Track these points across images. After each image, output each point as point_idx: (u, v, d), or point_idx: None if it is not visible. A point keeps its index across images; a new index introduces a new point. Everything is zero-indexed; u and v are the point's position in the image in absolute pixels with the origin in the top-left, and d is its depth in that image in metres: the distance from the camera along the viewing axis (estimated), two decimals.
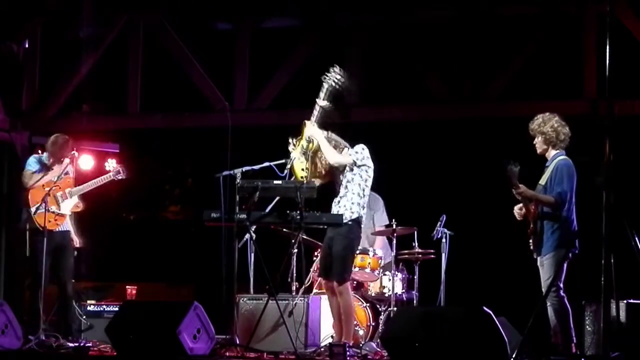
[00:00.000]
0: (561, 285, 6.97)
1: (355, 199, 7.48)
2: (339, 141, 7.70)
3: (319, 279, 8.14)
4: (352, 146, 7.66)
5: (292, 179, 7.55)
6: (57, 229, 8.46)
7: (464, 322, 6.37)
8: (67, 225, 8.59)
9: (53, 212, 8.39)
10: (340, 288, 7.46)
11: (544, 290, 7.01)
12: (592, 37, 9.18)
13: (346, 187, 7.51)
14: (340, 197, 7.53)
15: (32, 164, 8.59)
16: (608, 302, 5.69)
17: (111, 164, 8.87)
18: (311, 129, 7.55)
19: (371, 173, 7.57)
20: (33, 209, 8.27)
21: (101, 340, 8.20)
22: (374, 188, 7.85)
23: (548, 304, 6.94)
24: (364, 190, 7.52)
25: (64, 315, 8.44)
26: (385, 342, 7.03)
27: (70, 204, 8.59)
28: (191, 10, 10.49)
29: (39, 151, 8.86)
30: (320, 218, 7.50)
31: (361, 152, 7.54)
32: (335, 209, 7.54)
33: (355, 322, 8.60)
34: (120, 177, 8.74)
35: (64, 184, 8.57)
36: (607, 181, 5.62)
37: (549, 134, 7.15)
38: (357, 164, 7.50)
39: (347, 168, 7.53)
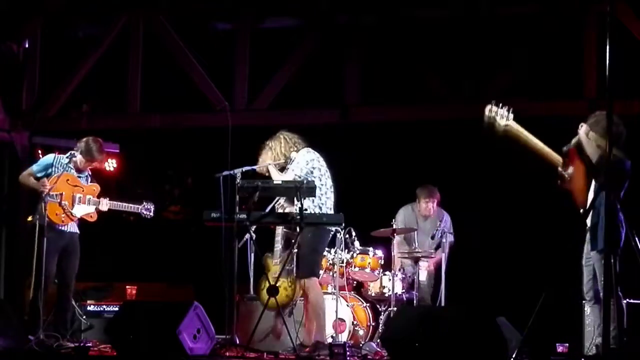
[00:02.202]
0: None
1: (307, 203, 7.53)
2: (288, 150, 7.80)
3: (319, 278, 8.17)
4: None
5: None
6: (66, 229, 8.34)
7: (464, 322, 6.36)
8: (76, 227, 8.47)
9: (63, 207, 8.29)
10: (306, 284, 7.50)
11: (587, 290, 6.96)
12: (592, 37, 9.18)
13: None
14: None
15: (42, 165, 8.32)
16: (608, 302, 5.68)
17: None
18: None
19: (317, 173, 7.62)
20: (49, 198, 8.05)
21: (101, 340, 8.20)
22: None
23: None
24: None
25: (63, 315, 8.40)
26: (385, 342, 7.03)
27: (84, 210, 8.40)
28: (191, 10, 10.50)
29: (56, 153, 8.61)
30: (321, 218, 7.50)
31: (301, 163, 7.61)
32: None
33: (355, 322, 8.62)
34: (145, 214, 8.57)
35: (88, 190, 8.37)
36: (607, 181, 5.60)
37: (601, 132, 6.94)
38: (300, 174, 7.56)
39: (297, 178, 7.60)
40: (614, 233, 6.08)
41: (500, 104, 6.99)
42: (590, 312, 7.54)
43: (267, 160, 7.79)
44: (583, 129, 6.88)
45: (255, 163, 7.85)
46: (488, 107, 6.97)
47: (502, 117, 6.95)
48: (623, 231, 6.62)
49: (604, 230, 5.56)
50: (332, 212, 7.68)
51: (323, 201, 7.61)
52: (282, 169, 7.76)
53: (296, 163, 7.65)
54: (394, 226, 9.17)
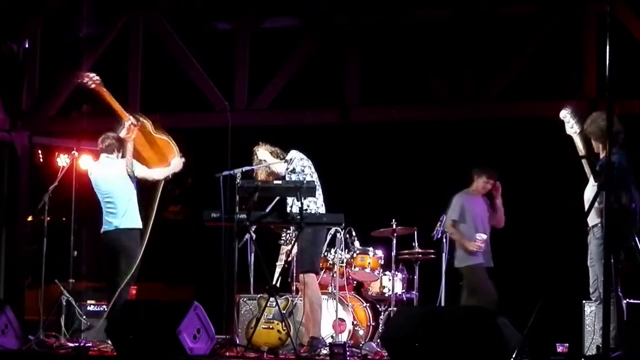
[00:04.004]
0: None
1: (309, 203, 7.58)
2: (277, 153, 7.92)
3: (319, 278, 8.17)
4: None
5: None
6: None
7: (464, 322, 6.36)
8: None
9: None
10: (306, 279, 7.50)
11: (592, 290, 6.92)
12: (592, 37, 9.17)
13: None
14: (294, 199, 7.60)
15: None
16: (608, 302, 5.68)
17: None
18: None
19: (308, 171, 7.72)
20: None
21: (101, 340, 8.21)
22: None
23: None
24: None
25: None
26: (385, 342, 7.03)
27: None
28: (191, 10, 10.49)
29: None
30: (321, 218, 7.50)
31: (293, 161, 7.72)
32: (290, 210, 7.63)
33: (355, 322, 8.62)
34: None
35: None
36: (607, 181, 5.60)
37: (595, 132, 6.91)
38: (295, 172, 7.66)
39: (287, 176, 7.71)
40: (614, 234, 6.06)
41: (574, 114, 7.00)
42: (591, 312, 7.55)
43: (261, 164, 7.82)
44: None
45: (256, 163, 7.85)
46: (563, 112, 7.01)
47: (570, 127, 6.99)
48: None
49: (605, 231, 5.53)
50: (324, 209, 7.73)
51: (319, 200, 7.64)
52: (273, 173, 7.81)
53: (290, 160, 7.76)
54: (448, 213, 8.99)
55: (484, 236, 8.72)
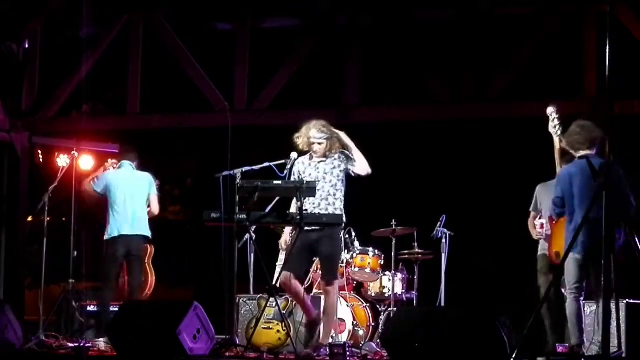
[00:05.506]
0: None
1: (338, 204, 7.51)
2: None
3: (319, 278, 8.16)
4: None
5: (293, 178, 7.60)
6: None
7: (464, 322, 6.37)
8: None
9: None
10: (329, 288, 7.46)
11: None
12: (592, 37, 9.18)
13: (338, 189, 7.51)
14: (336, 198, 7.49)
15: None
16: (608, 302, 5.68)
17: None
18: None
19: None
20: None
21: (101, 340, 8.20)
22: None
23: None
24: (343, 193, 7.56)
25: None
26: (385, 342, 7.03)
27: None
28: (191, 10, 10.49)
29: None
30: (321, 218, 7.49)
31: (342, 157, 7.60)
32: (327, 208, 7.49)
33: (355, 322, 8.62)
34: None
35: None
36: (607, 181, 5.60)
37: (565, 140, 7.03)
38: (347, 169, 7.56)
39: (343, 173, 7.55)
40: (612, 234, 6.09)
41: (558, 116, 7.11)
42: (591, 312, 7.54)
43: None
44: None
45: (256, 163, 7.81)
46: (550, 108, 7.14)
47: (553, 126, 7.11)
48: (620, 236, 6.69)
49: (604, 231, 5.53)
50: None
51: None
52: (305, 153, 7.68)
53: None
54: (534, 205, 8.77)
55: (542, 221, 8.45)
